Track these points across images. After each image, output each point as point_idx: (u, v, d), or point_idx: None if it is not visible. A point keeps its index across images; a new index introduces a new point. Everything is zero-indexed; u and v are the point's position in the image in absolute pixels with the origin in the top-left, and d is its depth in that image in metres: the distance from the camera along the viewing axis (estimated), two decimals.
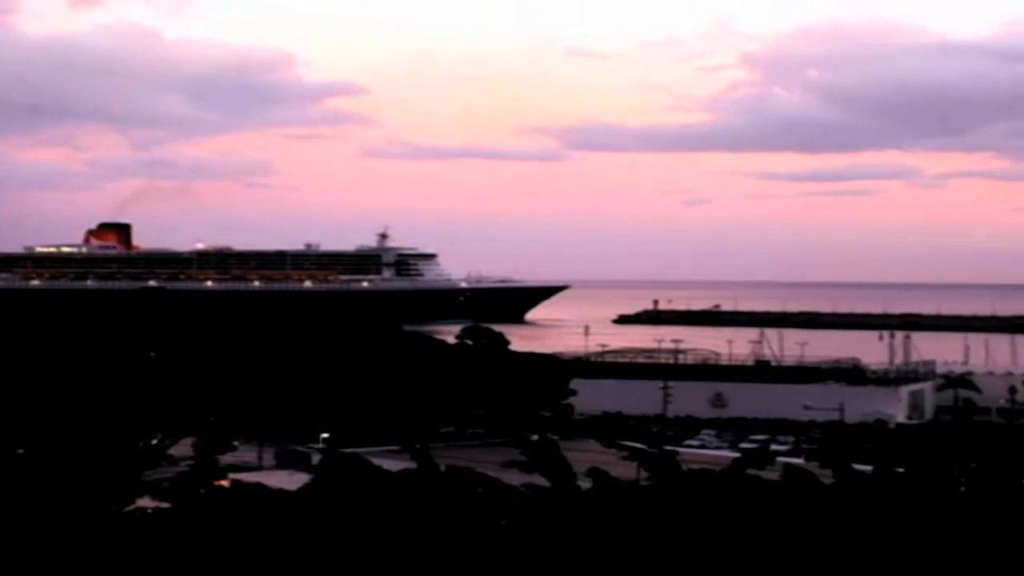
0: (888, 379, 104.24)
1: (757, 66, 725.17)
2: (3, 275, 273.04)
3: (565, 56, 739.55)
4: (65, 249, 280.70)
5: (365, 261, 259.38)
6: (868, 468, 29.74)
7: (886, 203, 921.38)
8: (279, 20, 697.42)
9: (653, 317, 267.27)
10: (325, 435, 61.16)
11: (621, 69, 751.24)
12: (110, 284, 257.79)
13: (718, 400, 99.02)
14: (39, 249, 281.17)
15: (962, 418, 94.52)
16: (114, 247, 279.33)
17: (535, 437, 31.66)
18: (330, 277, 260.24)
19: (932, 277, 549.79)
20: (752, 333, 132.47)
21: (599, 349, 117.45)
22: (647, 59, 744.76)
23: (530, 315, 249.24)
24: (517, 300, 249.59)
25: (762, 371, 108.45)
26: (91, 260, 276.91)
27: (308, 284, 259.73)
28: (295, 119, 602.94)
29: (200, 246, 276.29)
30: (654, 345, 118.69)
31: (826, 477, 28.91)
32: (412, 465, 28.09)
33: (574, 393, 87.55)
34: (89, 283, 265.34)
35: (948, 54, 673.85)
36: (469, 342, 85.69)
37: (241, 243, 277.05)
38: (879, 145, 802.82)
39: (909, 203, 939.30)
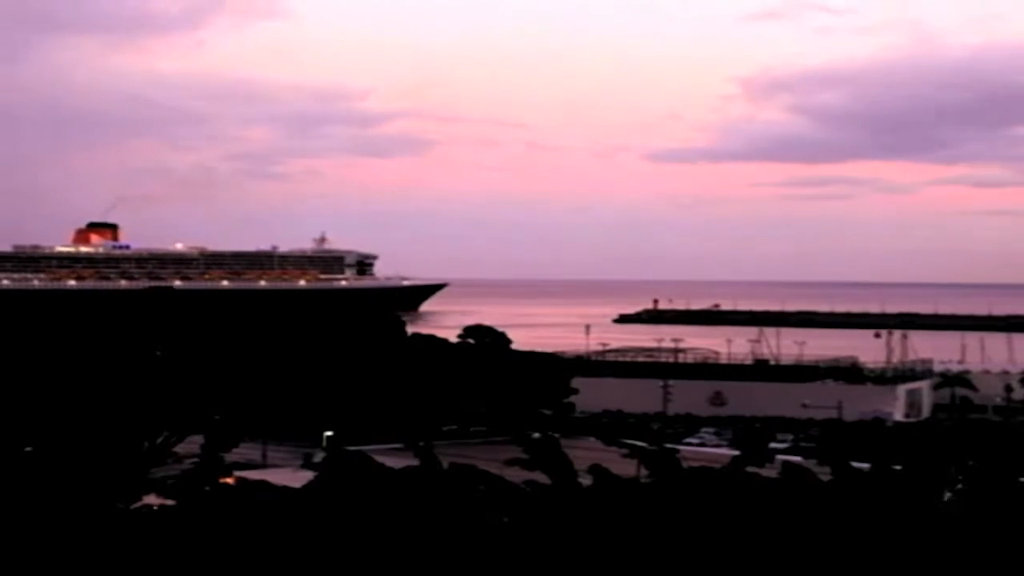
0: (885, 378, 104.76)
1: (752, 91, 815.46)
2: (36, 275, 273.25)
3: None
4: (84, 249, 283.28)
5: (330, 262, 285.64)
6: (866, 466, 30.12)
7: (872, 207, 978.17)
8: (359, 57, 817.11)
9: (654, 316, 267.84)
10: (328, 433, 61.43)
11: (639, 100, 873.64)
12: (141, 284, 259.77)
13: (718, 398, 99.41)
14: (59, 248, 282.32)
15: (959, 416, 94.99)
16: (128, 246, 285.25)
17: (536, 435, 32.03)
18: (307, 277, 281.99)
19: (910, 277, 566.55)
20: (751, 332, 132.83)
21: (600, 348, 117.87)
22: (658, 89, 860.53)
23: (423, 307, 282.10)
24: (414, 295, 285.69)
25: (761, 370, 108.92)
26: (107, 260, 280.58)
27: (302, 283, 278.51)
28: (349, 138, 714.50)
29: (180, 247, 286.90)
30: (654, 344, 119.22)
31: (825, 474, 29.27)
32: (415, 463, 28.41)
33: (575, 391, 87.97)
34: (122, 283, 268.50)
35: (926, 74, 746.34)
36: (471, 341, 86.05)
37: (219, 245, 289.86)
38: (863, 156, 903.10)
39: (893, 207, 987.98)
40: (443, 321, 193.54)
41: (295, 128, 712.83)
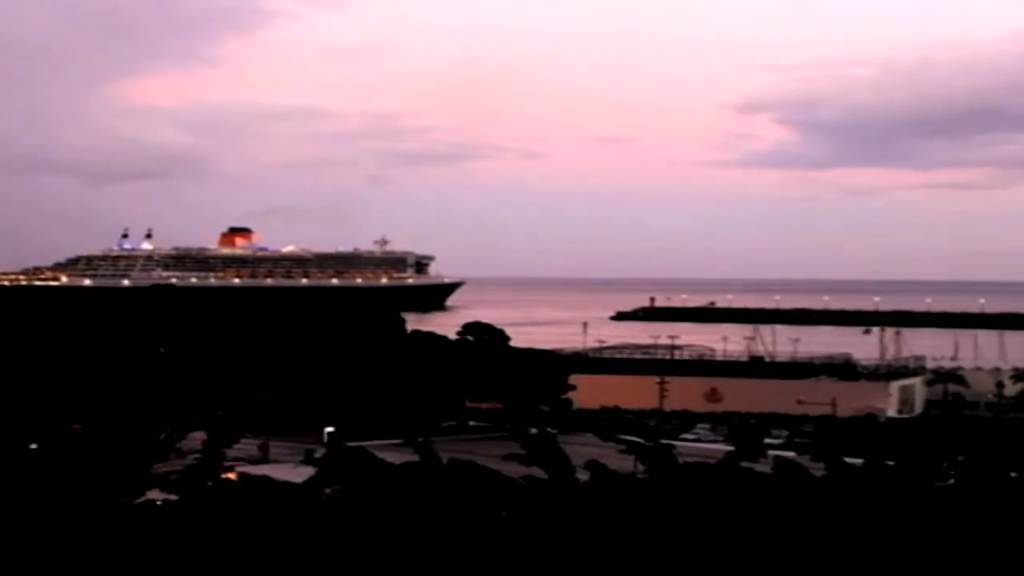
0: (879, 374, 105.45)
1: (749, 105, 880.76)
2: (198, 273, 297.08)
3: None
4: (238, 251, 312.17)
5: (397, 262, 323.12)
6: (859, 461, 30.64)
7: (864, 210, 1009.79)
8: (409, 88, 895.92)
9: (650, 314, 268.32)
10: (329, 429, 61.92)
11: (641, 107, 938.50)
12: (283, 283, 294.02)
13: (713, 395, 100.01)
14: (225, 251, 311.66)
15: (951, 412, 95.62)
16: (266, 248, 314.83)
17: (533, 431, 32.39)
18: (387, 276, 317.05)
19: (903, 276, 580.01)
20: (746, 330, 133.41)
21: (597, 345, 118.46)
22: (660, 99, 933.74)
23: (448, 302, 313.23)
24: (442, 292, 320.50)
25: (756, 367, 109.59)
26: (255, 261, 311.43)
27: (384, 281, 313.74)
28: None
29: (292, 248, 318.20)
30: (651, 341, 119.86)
31: (818, 470, 29.75)
32: (414, 458, 28.86)
33: (572, 388, 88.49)
34: (268, 282, 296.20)
35: (911, 89, 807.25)
36: (470, 338, 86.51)
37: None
38: (855, 163, 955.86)
39: (883, 210, 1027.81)
40: (474, 315, 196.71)
41: (348, 142, 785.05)
